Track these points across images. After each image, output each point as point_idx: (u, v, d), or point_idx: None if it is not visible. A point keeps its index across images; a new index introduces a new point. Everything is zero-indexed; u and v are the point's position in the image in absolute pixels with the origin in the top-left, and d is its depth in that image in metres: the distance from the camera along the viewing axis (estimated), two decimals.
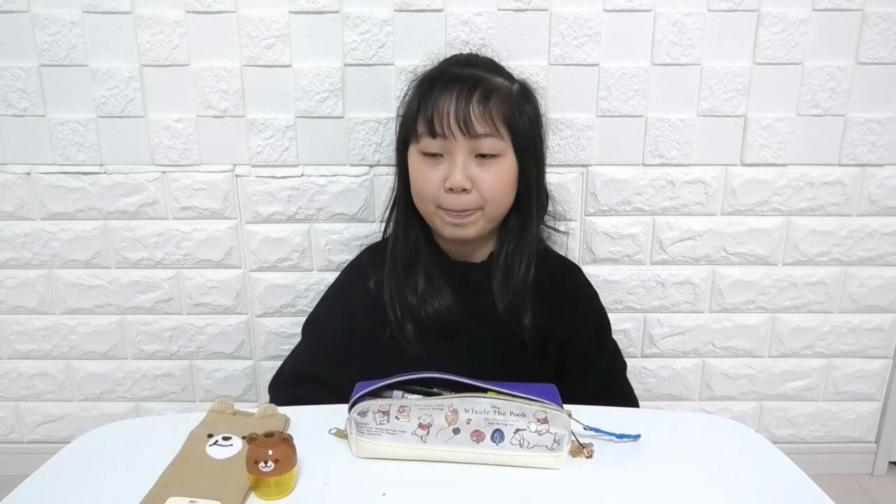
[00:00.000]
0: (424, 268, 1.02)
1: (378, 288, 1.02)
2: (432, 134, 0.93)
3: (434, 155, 0.95)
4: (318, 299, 1.15)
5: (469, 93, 0.92)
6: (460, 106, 0.92)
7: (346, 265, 1.16)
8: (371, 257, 1.09)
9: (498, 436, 0.70)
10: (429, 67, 1.04)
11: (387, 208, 1.11)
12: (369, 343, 1.01)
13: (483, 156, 0.94)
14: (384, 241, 1.11)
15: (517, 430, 0.70)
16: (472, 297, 1.01)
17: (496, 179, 0.95)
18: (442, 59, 1.06)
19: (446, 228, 0.98)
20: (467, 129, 0.92)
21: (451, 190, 0.93)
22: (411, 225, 1.04)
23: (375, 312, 1.01)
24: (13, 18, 1.20)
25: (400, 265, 1.02)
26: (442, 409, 0.70)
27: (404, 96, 1.03)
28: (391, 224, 1.08)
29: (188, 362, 1.41)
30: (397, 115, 1.06)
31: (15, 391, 1.44)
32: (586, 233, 1.33)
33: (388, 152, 1.27)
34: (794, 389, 1.44)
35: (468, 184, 0.93)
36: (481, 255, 1.05)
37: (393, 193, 1.09)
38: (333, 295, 1.13)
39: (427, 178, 0.95)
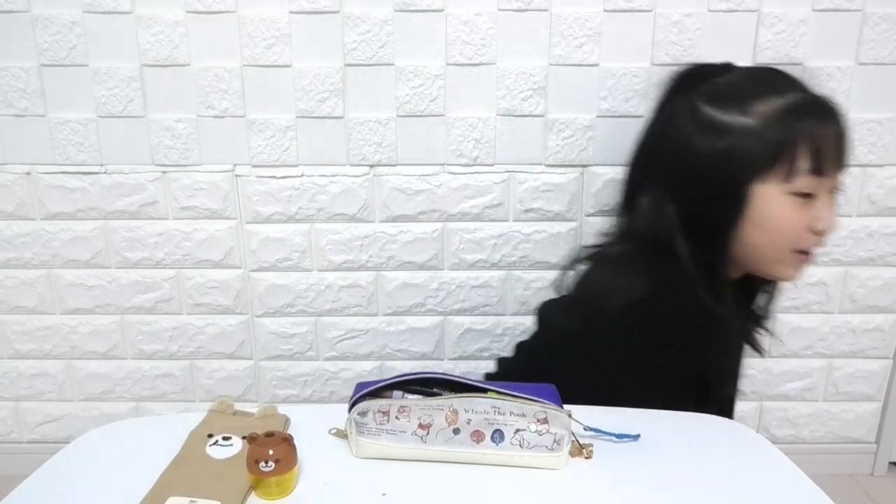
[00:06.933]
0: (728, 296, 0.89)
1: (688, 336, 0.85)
2: (818, 172, 0.80)
3: (805, 195, 0.82)
4: (317, 299, 1.13)
5: (840, 122, 0.82)
6: (840, 138, 0.81)
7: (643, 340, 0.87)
8: (656, 318, 0.86)
9: (498, 436, 0.70)
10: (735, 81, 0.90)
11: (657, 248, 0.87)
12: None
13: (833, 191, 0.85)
14: (653, 298, 0.85)
15: (517, 431, 0.70)
16: (745, 312, 0.98)
17: (836, 214, 0.86)
18: (746, 72, 0.92)
19: (790, 272, 0.88)
20: (842, 164, 0.82)
21: (820, 233, 0.83)
22: (723, 263, 0.88)
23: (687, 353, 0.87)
24: (13, 18, 1.20)
25: (710, 303, 0.85)
26: (442, 410, 0.70)
27: (749, 123, 0.83)
28: (680, 264, 0.86)
29: (188, 362, 1.41)
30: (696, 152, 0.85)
31: (15, 391, 1.44)
32: (586, 233, 1.33)
33: (388, 152, 1.27)
34: (794, 390, 1.44)
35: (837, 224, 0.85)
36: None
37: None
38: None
39: (795, 221, 0.83)
